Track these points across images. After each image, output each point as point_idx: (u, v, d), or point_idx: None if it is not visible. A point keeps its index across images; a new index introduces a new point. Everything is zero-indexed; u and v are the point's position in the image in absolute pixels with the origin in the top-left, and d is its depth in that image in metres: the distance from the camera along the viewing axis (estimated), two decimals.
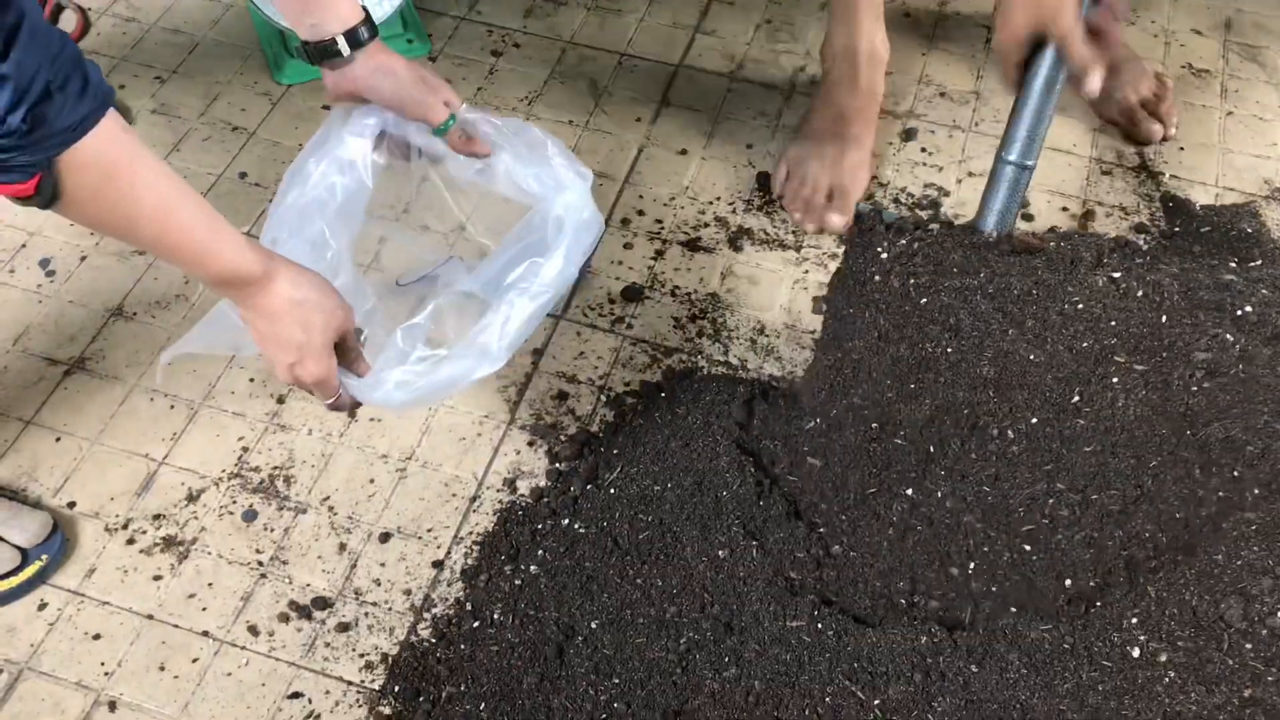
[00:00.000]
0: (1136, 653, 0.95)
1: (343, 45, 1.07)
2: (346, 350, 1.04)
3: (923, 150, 1.58)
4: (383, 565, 1.17)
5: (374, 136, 1.14)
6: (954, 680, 0.99)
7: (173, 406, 1.29)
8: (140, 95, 1.60)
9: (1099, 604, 1.00)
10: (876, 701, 1.00)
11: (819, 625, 1.05)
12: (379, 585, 1.16)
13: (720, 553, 1.11)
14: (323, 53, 1.08)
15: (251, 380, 1.31)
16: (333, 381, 1.03)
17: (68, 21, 1.60)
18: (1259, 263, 1.41)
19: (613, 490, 1.17)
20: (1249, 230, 1.46)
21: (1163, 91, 1.60)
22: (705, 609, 1.08)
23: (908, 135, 1.59)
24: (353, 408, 1.10)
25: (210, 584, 1.16)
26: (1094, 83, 1.22)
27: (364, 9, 1.08)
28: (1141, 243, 1.45)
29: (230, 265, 0.92)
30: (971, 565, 1.08)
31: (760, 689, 1.02)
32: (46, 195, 0.80)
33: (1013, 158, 1.25)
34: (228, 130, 1.56)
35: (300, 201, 1.10)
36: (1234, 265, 1.39)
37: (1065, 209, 1.50)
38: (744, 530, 1.12)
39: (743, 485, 1.15)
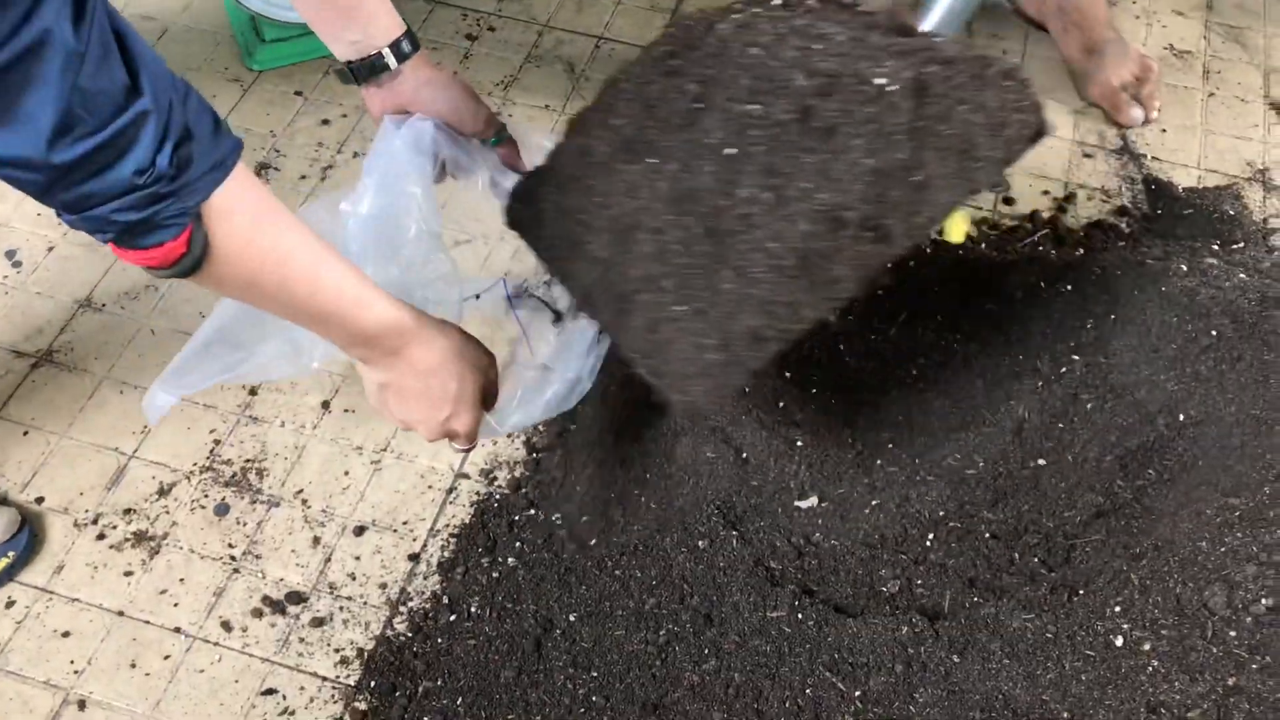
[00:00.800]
0: (1120, 641, 0.94)
1: (390, 59, 1.00)
2: (489, 397, 0.99)
3: None
4: (358, 559, 1.15)
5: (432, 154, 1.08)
6: (935, 670, 0.98)
7: (143, 399, 1.26)
8: None
9: (1082, 592, 0.99)
10: (857, 693, 0.99)
11: (799, 615, 1.04)
12: (354, 579, 1.14)
13: (700, 543, 1.09)
14: (370, 69, 1.00)
15: None
16: (477, 432, 0.98)
17: None
18: (1241, 245, 1.40)
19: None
20: (1231, 212, 1.45)
21: (1146, 75, 1.58)
22: (684, 600, 1.06)
23: None
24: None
25: (182, 579, 1.14)
26: None
27: (405, 23, 1.03)
28: (1124, 226, 1.44)
29: (384, 319, 0.85)
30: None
31: (740, 681, 1.01)
32: (198, 251, 0.71)
33: None
34: None
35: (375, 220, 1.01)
36: (1216, 248, 1.39)
37: (1047, 192, 1.49)
38: (723, 520, 1.11)
39: (722, 470, 1.13)
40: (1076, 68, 1.60)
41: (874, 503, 1.13)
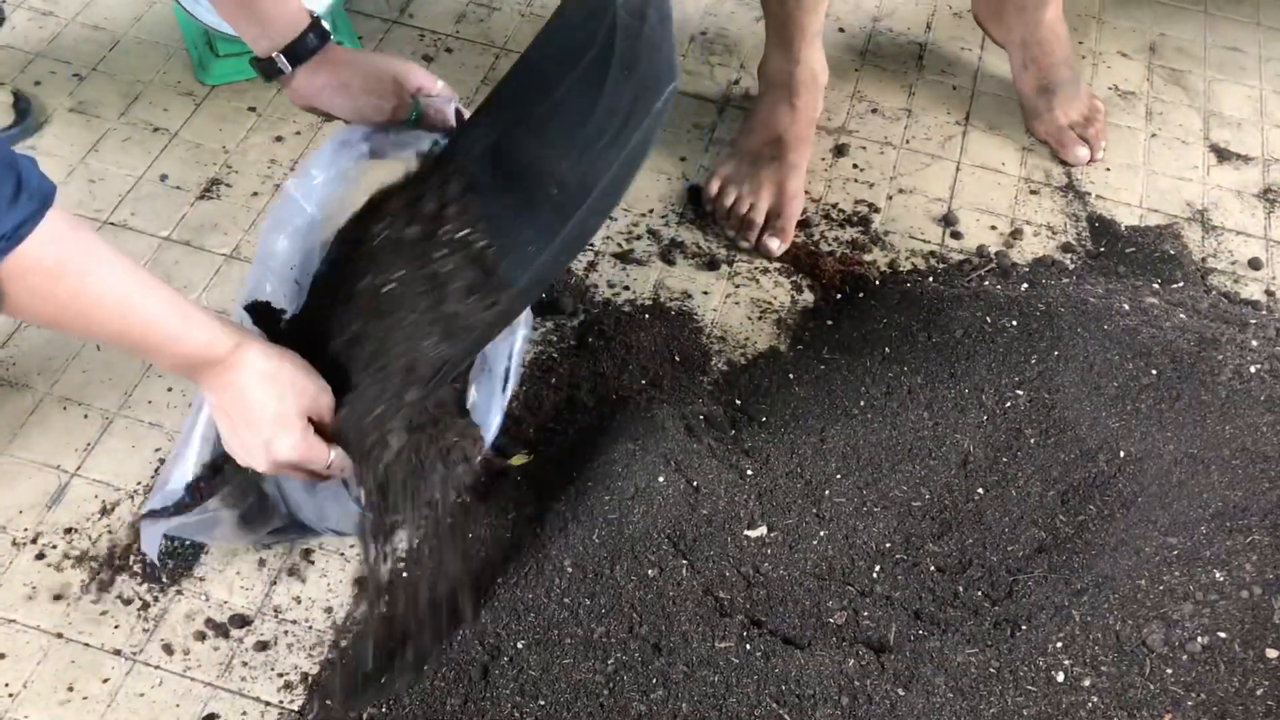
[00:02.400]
0: (1061, 677, 0.96)
1: (283, 63, 1.03)
2: (325, 431, 0.95)
3: (854, 166, 1.58)
4: (303, 582, 1.14)
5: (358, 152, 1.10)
6: (880, 704, 0.99)
7: (86, 416, 1.25)
8: (57, 93, 1.55)
9: (1025, 627, 1.01)
10: None
11: (747, 646, 1.04)
12: (299, 603, 1.13)
13: (649, 571, 1.10)
14: (266, 71, 1.04)
15: (170, 390, 1.27)
16: (318, 456, 0.94)
17: None
18: (1180, 284, 1.44)
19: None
20: (1171, 252, 1.49)
21: (1093, 115, 1.62)
22: (633, 629, 1.07)
23: (839, 151, 1.60)
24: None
25: (124, 600, 1.12)
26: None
27: (311, 14, 1.04)
28: (1068, 262, 1.47)
29: (199, 348, 0.87)
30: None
31: (688, 711, 1.01)
32: None
33: None
34: (149, 131, 1.52)
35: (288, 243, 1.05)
36: (1156, 287, 1.42)
37: (994, 228, 1.52)
38: (673, 549, 1.11)
39: (673, 498, 1.14)
40: (1027, 103, 1.63)
41: (822, 534, 1.14)
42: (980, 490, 1.18)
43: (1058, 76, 1.60)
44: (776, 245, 1.45)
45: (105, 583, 1.13)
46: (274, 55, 1.02)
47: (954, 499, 1.17)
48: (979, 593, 1.09)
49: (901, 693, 0.99)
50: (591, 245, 1.45)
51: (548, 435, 1.26)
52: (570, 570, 1.10)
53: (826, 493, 1.18)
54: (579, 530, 1.13)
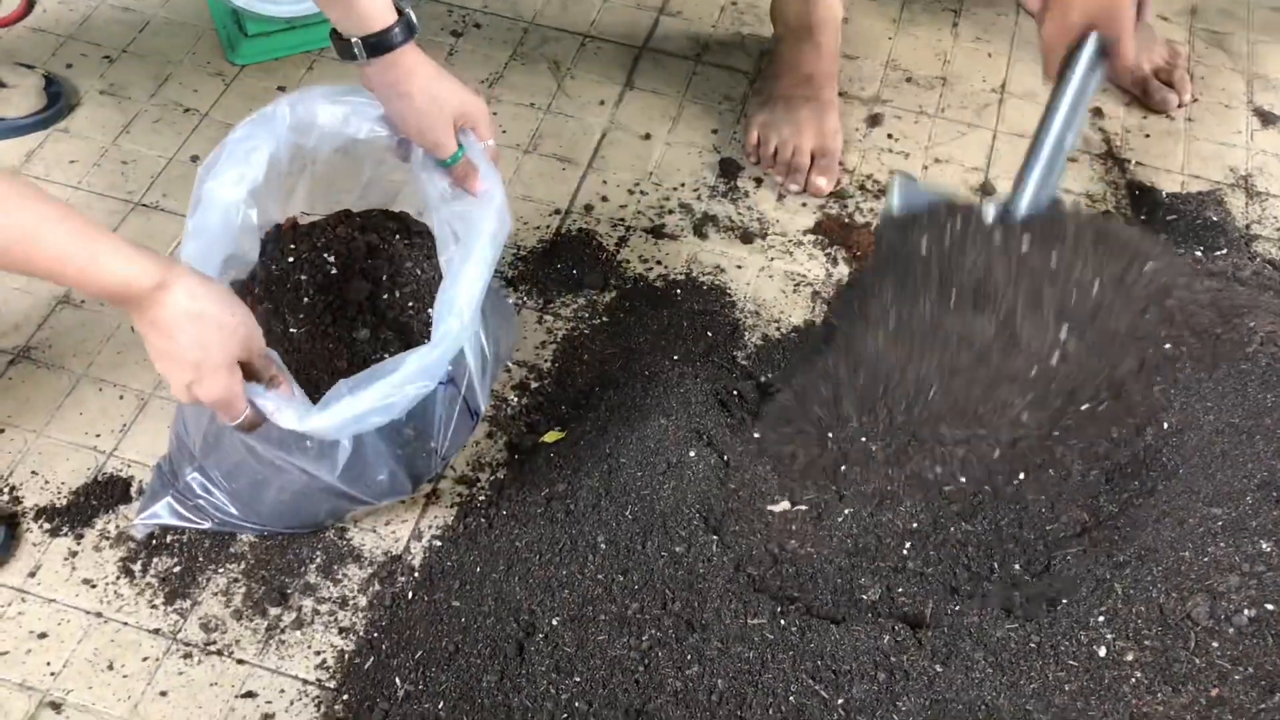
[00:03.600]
0: (1103, 651, 0.94)
1: (359, 51, 1.01)
2: (256, 371, 0.95)
3: (889, 136, 1.56)
4: (339, 560, 1.14)
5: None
6: (918, 679, 0.98)
7: (122, 396, 1.25)
8: (88, 75, 1.55)
9: (1065, 601, 0.99)
10: (840, 701, 0.98)
11: (781, 622, 1.03)
12: (335, 582, 1.13)
13: (678, 548, 1.09)
14: (342, 52, 1.02)
15: None
16: (237, 402, 0.92)
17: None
18: (1224, 251, 1.41)
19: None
20: (1214, 219, 1.46)
21: (1174, 59, 1.62)
22: (667, 606, 1.06)
23: (873, 121, 1.58)
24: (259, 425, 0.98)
25: (162, 579, 1.13)
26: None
27: (399, 10, 1.01)
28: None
29: (117, 280, 0.85)
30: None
31: (723, 687, 1.01)
32: None
33: (1048, 143, 1.18)
34: (179, 112, 1.52)
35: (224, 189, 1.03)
36: (1199, 254, 1.39)
37: None
38: (704, 524, 1.11)
39: (703, 472, 1.13)
40: None
41: (847, 511, 1.13)
42: (1022, 473, 1.16)
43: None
44: (825, 183, 1.47)
45: (145, 562, 1.14)
46: (352, 41, 1.00)
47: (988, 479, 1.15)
48: (1016, 566, 1.07)
49: (939, 669, 0.98)
50: (623, 220, 1.44)
51: (580, 411, 1.26)
52: (604, 546, 1.10)
53: (857, 469, 1.17)
54: (611, 506, 1.12)
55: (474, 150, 1.07)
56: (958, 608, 1.03)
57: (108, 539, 1.15)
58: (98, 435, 1.22)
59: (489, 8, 1.69)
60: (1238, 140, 1.58)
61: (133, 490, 1.18)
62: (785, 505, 1.14)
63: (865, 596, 1.06)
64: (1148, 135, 1.58)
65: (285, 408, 0.94)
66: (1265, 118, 1.61)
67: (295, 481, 1.05)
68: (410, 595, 1.12)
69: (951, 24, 1.71)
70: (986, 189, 1.50)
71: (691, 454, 1.15)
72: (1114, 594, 0.97)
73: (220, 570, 1.13)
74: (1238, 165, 1.55)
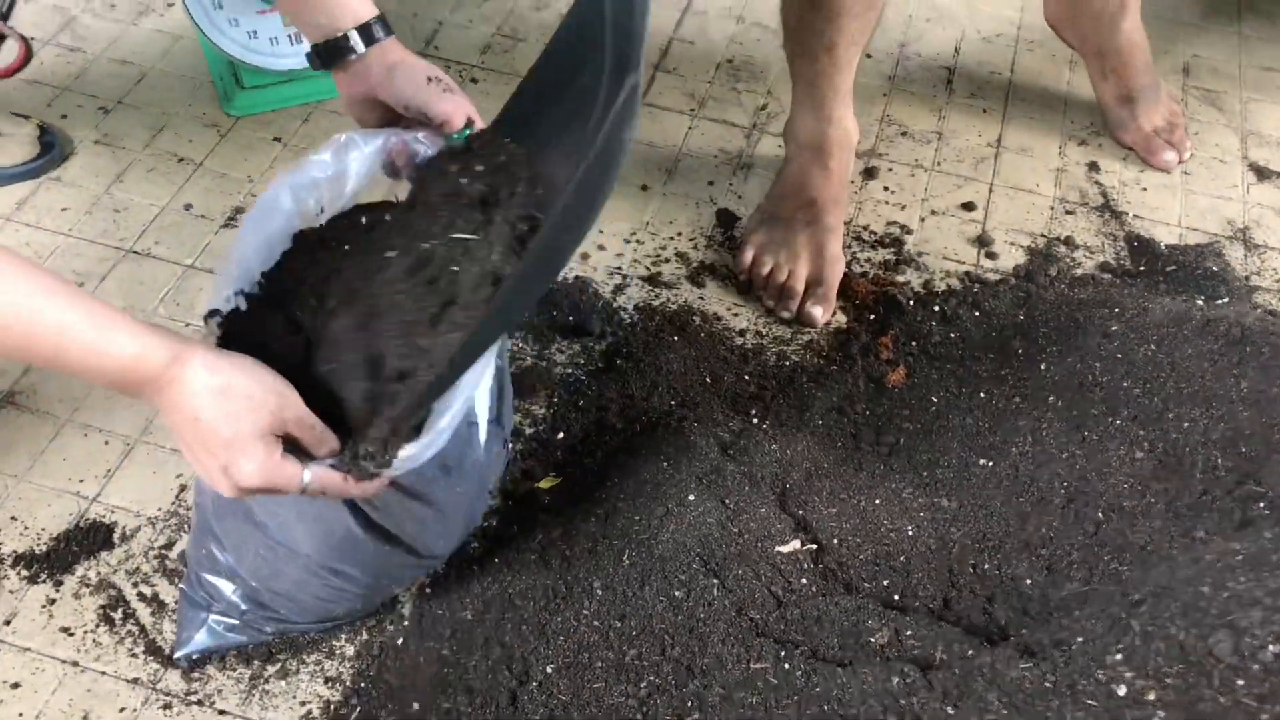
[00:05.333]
0: (1123, 690, 0.90)
1: (356, 41, 0.98)
2: (303, 434, 0.83)
3: (885, 189, 1.56)
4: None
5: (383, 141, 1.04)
6: None
7: (107, 442, 1.22)
8: (84, 125, 1.55)
9: (1081, 639, 0.96)
10: None
11: (785, 666, 0.99)
12: (322, 631, 1.09)
13: (677, 592, 1.05)
14: (333, 51, 0.98)
15: None
16: (288, 473, 0.82)
17: (9, 51, 1.55)
18: (1225, 299, 1.40)
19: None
20: (1214, 269, 1.45)
21: (1175, 119, 1.63)
22: (666, 651, 1.02)
23: (869, 173, 1.57)
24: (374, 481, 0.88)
25: (142, 627, 1.09)
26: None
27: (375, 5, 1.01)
28: (1107, 280, 1.43)
29: (127, 362, 0.77)
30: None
31: None
32: None
33: None
34: (173, 161, 1.51)
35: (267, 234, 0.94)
36: (1200, 303, 1.38)
37: (1030, 247, 1.48)
38: (704, 568, 1.07)
39: (703, 516, 1.10)
40: (1111, 113, 1.63)
41: (857, 550, 1.10)
42: (1026, 506, 1.13)
43: (1139, 84, 1.59)
44: (820, 313, 1.37)
45: (125, 610, 1.10)
46: (346, 32, 0.97)
47: (1003, 512, 1.13)
48: (1029, 608, 1.04)
49: (951, 711, 0.94)
50: (619, 269, 1.42)
51: (576, 457, 1.23)
52: (600, 592, 1.06)
53: (862, 504, 1.14)
54: (608, 551, 1.09)
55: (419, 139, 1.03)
56: (969, 650, 1.00)
57: (88, 586, 1.11)
58: (81, 481, 1.19)
59: (485, 63, 1.69)
60: (1234, 194, 1.58)
61: (115, 536, 1.15)
62: (795, 545, 1.11)
63: (873, 640, 1.03)
64: (1144, 189, 1.58)
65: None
66: (1260, 172, 1.61)
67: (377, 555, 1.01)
68: (400, 643, 1.08)
69: (946, 80, 1.72)
70: (984, 240, 1.49)
71: (691, 498, 1.12)
72: (1131, 631, 0.94)
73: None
74: (1235, 218, 1.54)
